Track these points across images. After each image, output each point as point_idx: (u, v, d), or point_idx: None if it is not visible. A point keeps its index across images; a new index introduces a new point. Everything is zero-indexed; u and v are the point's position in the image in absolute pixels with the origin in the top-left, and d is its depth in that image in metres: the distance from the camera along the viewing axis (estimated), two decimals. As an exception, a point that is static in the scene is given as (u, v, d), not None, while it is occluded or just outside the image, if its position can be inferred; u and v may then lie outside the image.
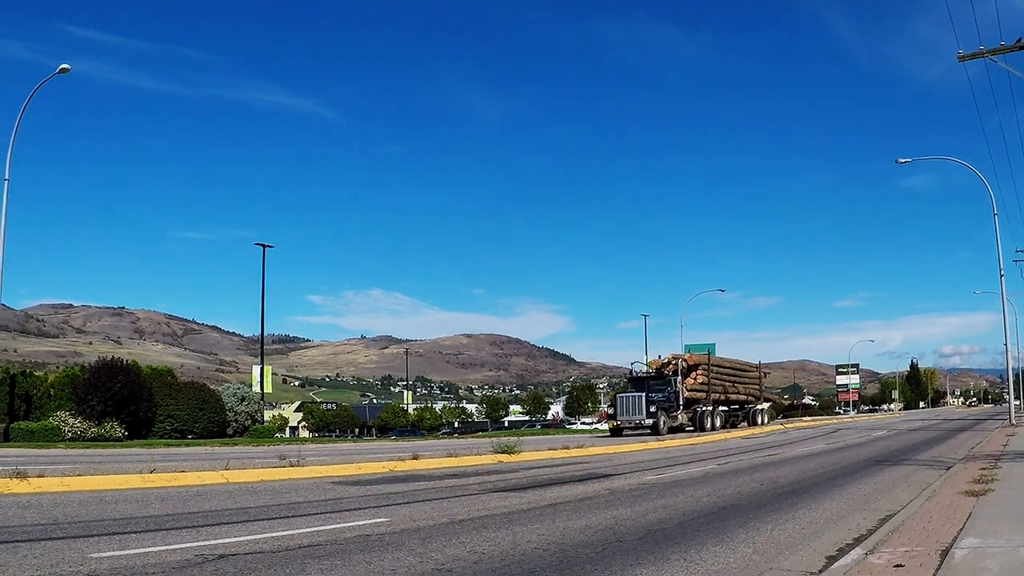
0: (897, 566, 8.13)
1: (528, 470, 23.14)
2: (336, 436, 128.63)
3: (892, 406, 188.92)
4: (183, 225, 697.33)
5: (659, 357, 60.90)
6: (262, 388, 59.81)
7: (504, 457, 26.71)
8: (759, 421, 68.71)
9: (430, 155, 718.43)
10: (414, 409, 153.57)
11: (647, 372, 58.91)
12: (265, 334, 58.44)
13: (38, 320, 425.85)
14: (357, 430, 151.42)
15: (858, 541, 10.36)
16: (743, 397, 66.42)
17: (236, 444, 44.02)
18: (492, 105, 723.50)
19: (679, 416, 53.96)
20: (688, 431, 54.81)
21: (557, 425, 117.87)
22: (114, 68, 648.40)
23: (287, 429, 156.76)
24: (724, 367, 64.22)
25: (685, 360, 58.06)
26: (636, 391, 53.73)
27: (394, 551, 9.56)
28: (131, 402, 45.41)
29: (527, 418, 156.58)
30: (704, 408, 57.38)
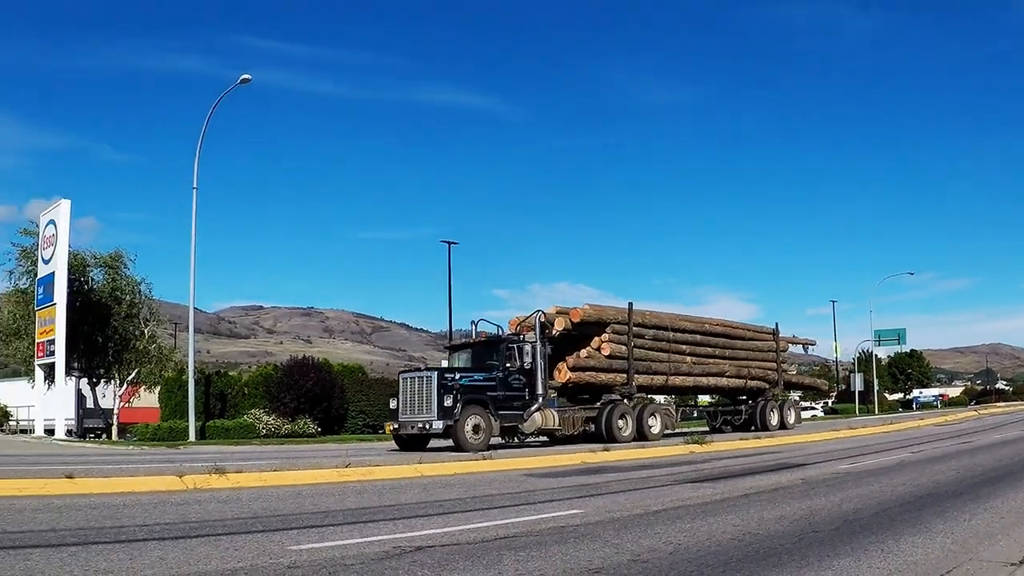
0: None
1: (719, 460, 23.04)
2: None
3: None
4: (369, 225, 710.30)
5: (539, 313, 32.14)
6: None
7: (695, 448, 26.64)
8: (775, 421, 40.43)
9: (613, 147, 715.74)
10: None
11: (472, 338, 33.60)
12: (452, 329, 59.00)
13: (229, 322, 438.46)
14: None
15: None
16: (737, 383, 39.71)
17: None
18: (675, 95, 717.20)
19: (539, 415, 29.97)
20: (564, 435, 32.18)
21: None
22: (294, 76, 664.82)
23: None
24: (676, 329, 36.98)
25: (570, 315, 32.54)
26: (431, 371, 29.73)
27: (589, 542, 9.64)
28: (323, 399, 46.34)
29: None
30: (615, 401, 33.26)
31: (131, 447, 33.70)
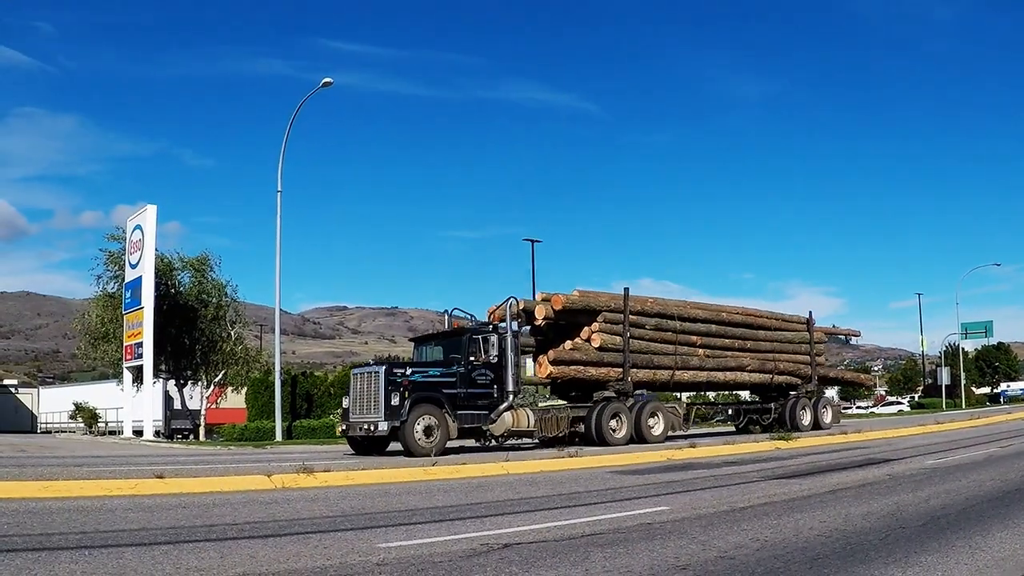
0: None
1: (805, 456, 22.89)
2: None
3: None
4: (452, 225, 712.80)
5: (511, 300, 28.53)
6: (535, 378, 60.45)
7: (781, 444, 26.49)
8: (807, 421, 36.41)
9: (694, 142, 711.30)
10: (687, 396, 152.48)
11: (440, 329, 31.00)
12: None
13: (314, 323, 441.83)
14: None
15: None
16: (761, 378, 35.61)
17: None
18: (754, 88, 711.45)
19: (510, 415, 26.54)
20: (548, 438, 28.82)
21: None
22: (376, 78, 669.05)
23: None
24: (685, 318, 33.00)
25: (551, 302, 29.33)
26: (379, 366, 25.78)
27: (676, 538, 9.64)
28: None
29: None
30: (609, 399, 29.63)
31: (218, 447, 34.18)
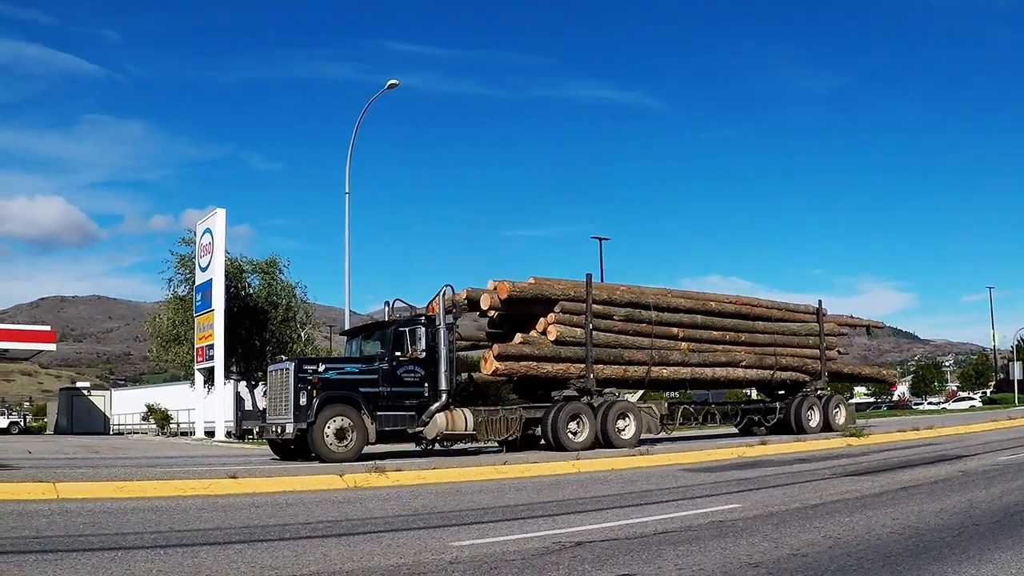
0: None
1: (877, 453, 22.75)
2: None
3: None
4: (517, 224, 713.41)
5: (446, 288, 25.84)
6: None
7: (852, 440, 26.35)
8: (815, 423, 31.93)
9: (760, 137, 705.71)
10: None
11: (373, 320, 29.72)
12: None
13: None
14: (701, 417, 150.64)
15: None
16: (758, 374, 31.47)
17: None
18: (820, 82, 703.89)
19: (443, 416, 23.66)
20: (497, 441, 25.73)
21: (903, 406, 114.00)
22: (439, 78, 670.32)
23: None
24: (664, 308, 29.05)
25: (498, 290, 26.21)
26: (289, 362, 24.25)
27: (748, 536, 9.66)
28: (477, 397, 46.62)
29: (872, 400, 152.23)
30: (571, 398, 26.13)
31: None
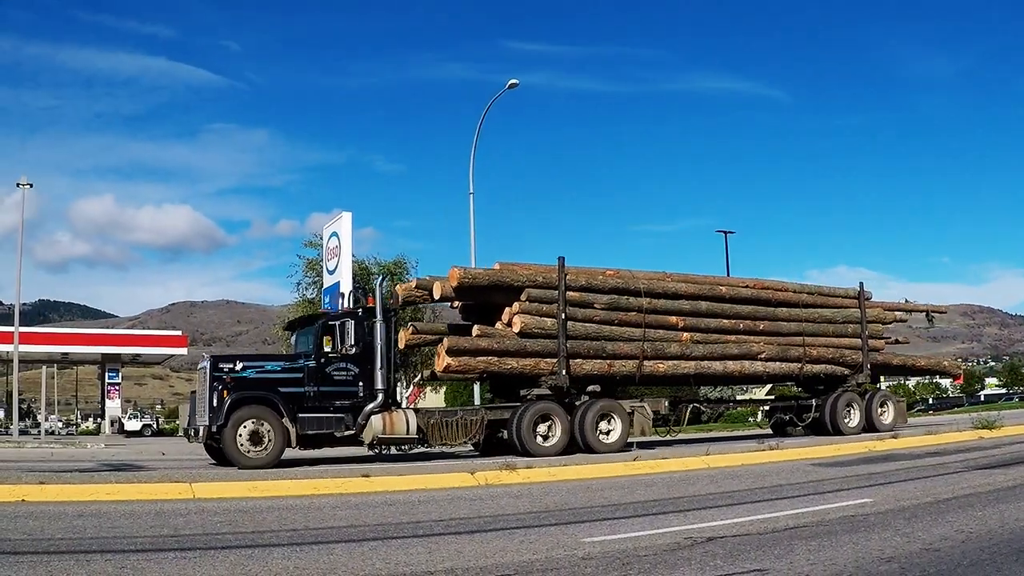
0: None
1: (1010, 446, 22.32)
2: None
3: None
4: (645, 218, 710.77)
5: (380, 278, 26.27)
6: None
7: (984, 433, 25.85)
8: (854, 422, 27.95)
9: (886, 123, 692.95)
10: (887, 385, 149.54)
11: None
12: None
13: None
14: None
15: None
16: (782, 368, 27.09)
17: (711, 429, 44.38)
18: (945, 65, 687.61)
19: (380, 419, 21.34)
20: (452, 446, 23.45)
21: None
22: (559, 76, 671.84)
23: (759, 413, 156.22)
24: (658, 294, 25.33)
25: (448, 278, 23.59)
26: (207, 360, 21.80)
27: (880, 531, 9.64)
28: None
29: (1004, 391, 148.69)
30: (543, 397, 23.33)
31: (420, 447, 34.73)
